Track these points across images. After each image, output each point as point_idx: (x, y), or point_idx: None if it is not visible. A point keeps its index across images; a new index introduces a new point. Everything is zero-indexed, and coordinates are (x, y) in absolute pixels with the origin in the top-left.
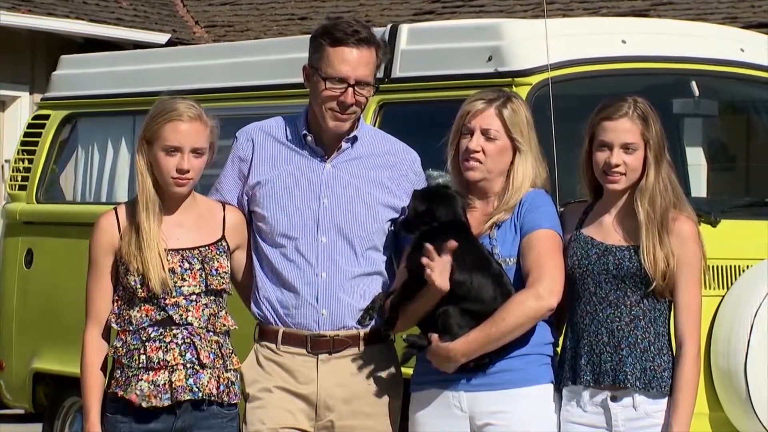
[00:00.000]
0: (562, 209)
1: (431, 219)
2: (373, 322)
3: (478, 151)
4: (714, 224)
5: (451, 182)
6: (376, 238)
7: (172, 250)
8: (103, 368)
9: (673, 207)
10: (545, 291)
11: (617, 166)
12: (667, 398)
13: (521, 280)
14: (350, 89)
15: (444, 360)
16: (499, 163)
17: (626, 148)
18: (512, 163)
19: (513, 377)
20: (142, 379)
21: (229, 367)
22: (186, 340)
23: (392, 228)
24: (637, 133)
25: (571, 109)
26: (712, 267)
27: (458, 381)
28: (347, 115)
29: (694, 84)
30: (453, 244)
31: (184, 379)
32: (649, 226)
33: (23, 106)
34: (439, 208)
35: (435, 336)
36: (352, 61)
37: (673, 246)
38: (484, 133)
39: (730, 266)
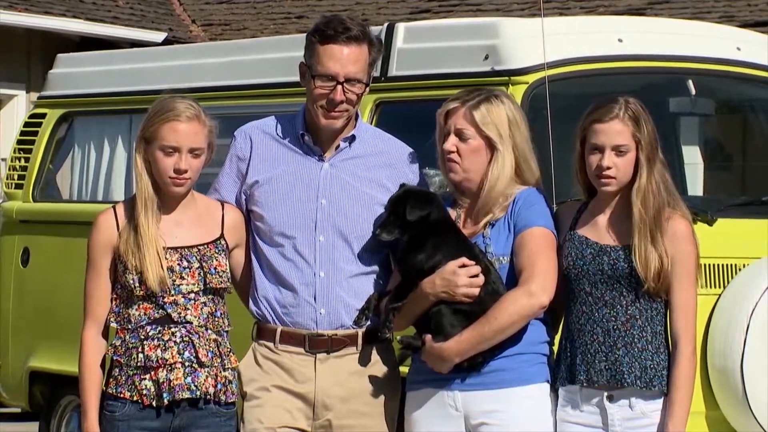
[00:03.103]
0: (556, 208)
1: (420, 222)
2: (368, 323)
3: (453, 152)
4: (710, 223)
5: (446, 182)
6: (374, 238)
7: (171, 248)
8: (101, 367)
9: (668, 206)
10: (537, 289)
11: (609, 168)
12: (663, 397)
13: (515, 279)
14: (339, 87)
15: (438, 360)
16: (476, 163)
17: (618, 150)
18: (489, 162)
19: (507, 377)
20: (141, 378)
21: (227, 366)
22: (184, 339)
23: (376, 233)
24: (628, 134)
25: (567, 108)
26: (709, 266)
27: (453, 380)
28: (338, 113)
29: (690, 83)
30: (465, 261)
31: (182, 378)
32: (641, 227)
33: (20, 104)
34: (432, 210)
35: (428, 336)
36: (341, 58)
37: (667, 245)
38: (458, 133)
39: (727, 265)
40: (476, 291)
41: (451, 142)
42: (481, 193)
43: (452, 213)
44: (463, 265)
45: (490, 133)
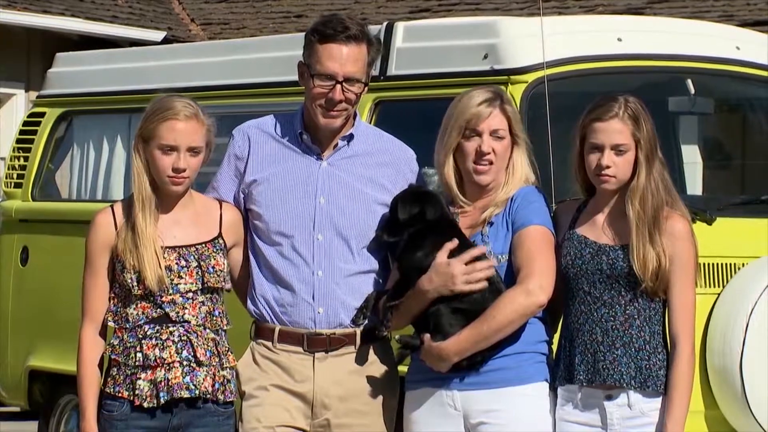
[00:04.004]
0: (555, 207)
1: (417, 221)
2: (366, 321)
3: (489, 153)
4: (710, 222)
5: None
6: (372, 236)
7: (169, 247)
8: (100, 366)
9: (667, 205)
10: (535, 287)
11: (608, 167)
12: (662, 397)
13: (513, 277)
14: (338, 86)
15: (437, 359)
16: (505, 161)
17: (617, 149)
18: (510, 156)
19: (506, 376)
20: (139, 378)
21: (225, 365)
22: (182, 338)
23: (378, 234)
24: (628, 133)
25: (566, 107)
26: (708, 265)
27: (452, 380)
28: (337, 112)
29: (689, 82)
30: (454, 243)
31: (181, 377)
32: (639, 226)
33: (19, 103)
34: (424, 208)
35: (427, 336)
36: (340, 57)
37: (666, 245)
38: (493, 133)
39: (726, 264)
40: (478, 276)
41: (488, 143)
42: (497, 191)
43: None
44: (451, 253)
45: (517, 130)
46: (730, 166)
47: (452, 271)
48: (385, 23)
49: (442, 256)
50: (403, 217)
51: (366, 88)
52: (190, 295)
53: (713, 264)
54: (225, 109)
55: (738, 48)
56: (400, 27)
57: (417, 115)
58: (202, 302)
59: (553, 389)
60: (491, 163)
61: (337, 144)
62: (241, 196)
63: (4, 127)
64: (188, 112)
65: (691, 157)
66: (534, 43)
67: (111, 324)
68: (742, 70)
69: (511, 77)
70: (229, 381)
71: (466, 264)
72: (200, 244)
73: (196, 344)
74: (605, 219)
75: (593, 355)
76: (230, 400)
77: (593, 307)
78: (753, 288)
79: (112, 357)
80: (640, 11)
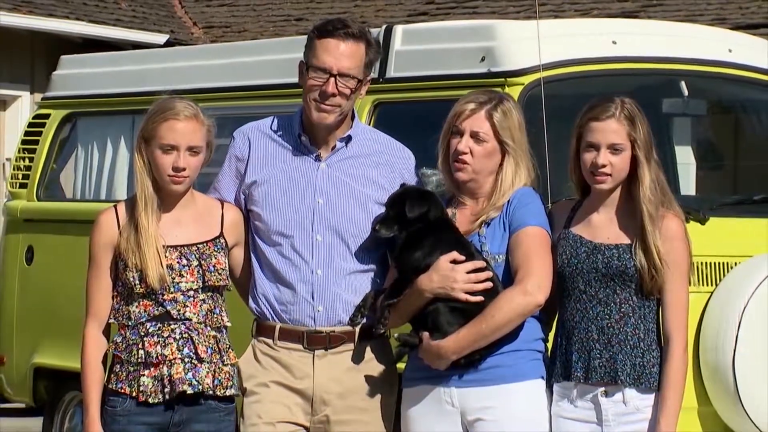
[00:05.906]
0: (550, 207)
1: (417, 220)
2: (364, 320)
3: (466, 153)
4: (703, 222)
5: (444, 180)
6: (370, 236)
7: (171, 246)
8: (103, 363)
9: (661, 205)
10: (533, 287)
11: (604, 166)
12: (656, 393)
13: (510, 277)
14: (332, 79)
15: (435, 357)
16: (487, 165)
17: (613, 148)
18: (501, 164)
19: (503, 373)
20: (141, 374)
21: (226, 362)
22: (184, 335)
23: (375, 228)
24: (624, 133)
25: (562, 109)
26: (702, 264)
27: (449, 377)
28: (329, 107)
29: (683, 84)
30: (456, 256)
31: (183, 373)
32: (650, 223)
33: (24, 105)
34: (429, 207)
35: (426, 334)
36: (336, 52)
37: (661, 244)
38: (474, 135)
39: (719, 263)
40: (477, 288)
41: (465, 143)
42: (492, 196)
43: (448, 212)
44: (455, 260)
45: (506, 138)
46: (723, 167)
47: (455, 276)
48: (383, 26)
49: (446, 258)
50: (412, 215)
51: (363, 89)
52: (191, 293)
53: (706, 263)
54: (226, 110)
55: (730, 51)
56: (398, 30)
57: (415, 116)
58: (203, 300)
59: (549, 386)
60: (467, 163)
61: (335, 145)
62: (242, 196)
63: (9, 129)
64: (188, 112)
65: (685, 158)
66: (530, 45)
67: (113, 322)
68: (735, 72)
69: (508, 79)
70: (230, 378)
71: (469, 273)
72: (201, 243)
73: (197, 341)
74: (600, 218)
75: (589, 352)
76: (231, 396)
77: (589, 305)
78: (745, 286)
79: (115, 354)
80: (635, 14)
